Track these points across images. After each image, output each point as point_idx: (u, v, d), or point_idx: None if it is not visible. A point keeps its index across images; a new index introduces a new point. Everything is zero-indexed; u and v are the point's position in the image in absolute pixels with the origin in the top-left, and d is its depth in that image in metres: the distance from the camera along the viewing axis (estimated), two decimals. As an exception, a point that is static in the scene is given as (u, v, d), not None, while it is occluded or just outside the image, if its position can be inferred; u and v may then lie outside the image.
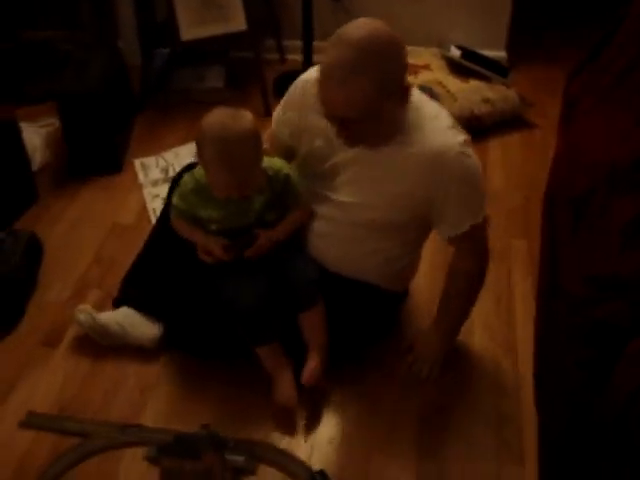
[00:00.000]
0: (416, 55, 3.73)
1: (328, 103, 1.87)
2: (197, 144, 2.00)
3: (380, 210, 2.08)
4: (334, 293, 2.19)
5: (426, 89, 3.27)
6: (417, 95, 1.98)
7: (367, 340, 2.38)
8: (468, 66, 3.68)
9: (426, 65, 3.70)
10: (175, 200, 2.13)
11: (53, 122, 3.44)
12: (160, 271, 2.36)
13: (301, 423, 2.20)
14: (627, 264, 1.64)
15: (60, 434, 2.16)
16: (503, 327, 2.50)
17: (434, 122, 2.00)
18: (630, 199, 1.75)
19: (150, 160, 3.37)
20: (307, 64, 3.53)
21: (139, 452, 2.08)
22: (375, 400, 2.26)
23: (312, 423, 2.20)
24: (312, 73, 2.12)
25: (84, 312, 2.36)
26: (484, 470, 2.07)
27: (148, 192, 3.16)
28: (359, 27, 1.81)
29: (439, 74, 3.65)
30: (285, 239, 2.16)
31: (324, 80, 1.84)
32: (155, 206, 3.01)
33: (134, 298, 2.40)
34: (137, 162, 3.35)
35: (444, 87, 3.53)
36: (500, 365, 2.38)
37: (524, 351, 2.36)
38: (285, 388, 2.16)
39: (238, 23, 3.55)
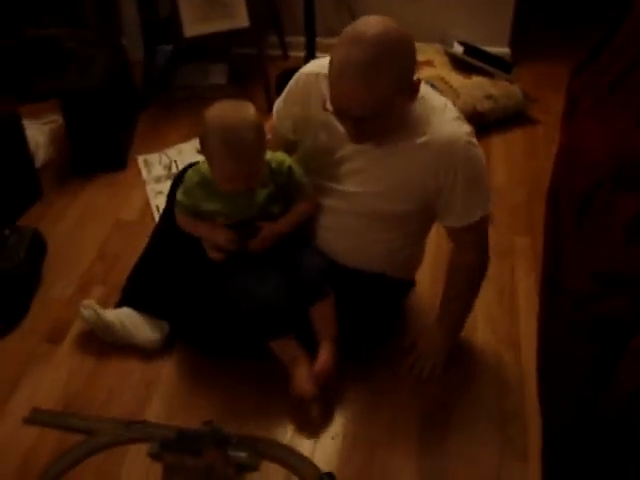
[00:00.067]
0: (419, 51, 3.68)
1: (341, 102, 1.85)
2: (201, 138, 2.00)
3: (385, 200, 2.08)
4: (342, 285, 2.19)
5: (429, 85, 3.27)
6: (423, 87, 1.98)
7: (375, 332, 2.37)
8: (471, 62, 3.67)
9: (429, 61, 3.70)
10: (179, 196, 2.13)
11: (56, 119, 3.45)
12: (164, 271, 2.35)
13: (304, 419, 2.20)
14: (631, 260, 1.65)
15: (64, 430, 2.16)
16: (506, 323, 2.50)
17: (440, 113, 2.00)
18: (633, 196, 1.75)
19: (153, 157, 3.37)
20: (310, 60, 3.52)
21: (141, 449, 2.08)
22: (378, 396, 2.26)
23: (315, 419, 2.20)
24: (313, 66, 2.13)
25: (89, 308, 2.36)
26: (487, 466, 2.06)
27: (151, 189, 3.17)
28: (370, 25, 1.79)
29: (442, 70, 3.64)
30: (290, 231, 2.16)
31: (338, 79, 1.82)
32: (158, 203, 3.02)
33: (138, 299, 2.40)
34: (140, 159, 3.36)
35: (447, 83, 3.52)
36: (503, 361, 2.37)
37: (527, 347, 2.35)
38: (304, 380, 2.14)
39: (241, 19, 3.55)
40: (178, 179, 2.29)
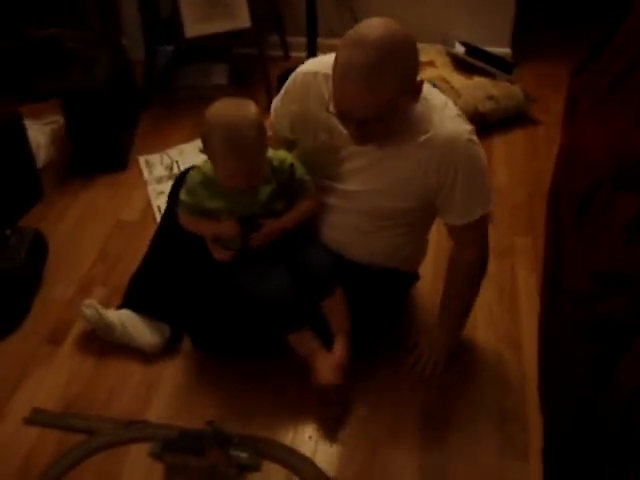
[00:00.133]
0: (421, 52, 3.67)
1: (345, 104, 1.85)
2: (203, 136, 2.00)
3: (386, 198, 2.09)
4: (348, 279, 2.20)
5: (430, 85, 3.27)
6: (424, 86, 1.98)
7: (378, 328, 2.38)
8: (472, 63, 3.67)
9: (430, 62, 3.70)
10: (182, 196, 2.14)
11: (57, 119, 3.45)
12: (167, 272, 2.36)
13: (305, 420, 2.20)
14: (631, 260, 1.65)
15: (65, 431, 2.16)
16: (507, 322, 2.50)
17: (442, 111, 2.01)
18: (633, 196, 1.75)
19: (154, 157, 3.37)
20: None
21: (143, 449, 2.08)
22: (379, 396, 2.26)
23: (315, 419, 2.20)
24: (310, 65, 2.13)
25: (91, 307, 2.36)
26: (488, 465, 2.06)
27: (152, 189, 3.17)
28: (373, 27, 1.79)
29: (443, 71, 3.64)
30: (292, 228, 2.16)
31: (341, 82, 1.82)
32: (160, 203, 3.02)
33: (140, 301, 2.40)
34: (142, 159, 3.36)
35: (448, 83, 3.53)
36: (504, 360, 2.38)
37: (528, 347, 2.36)
38: (326, 371, 2.14)
39: (242, 20, 3.55)
40: (178, 181, 2.29)
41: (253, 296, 2.14)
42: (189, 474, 2.00)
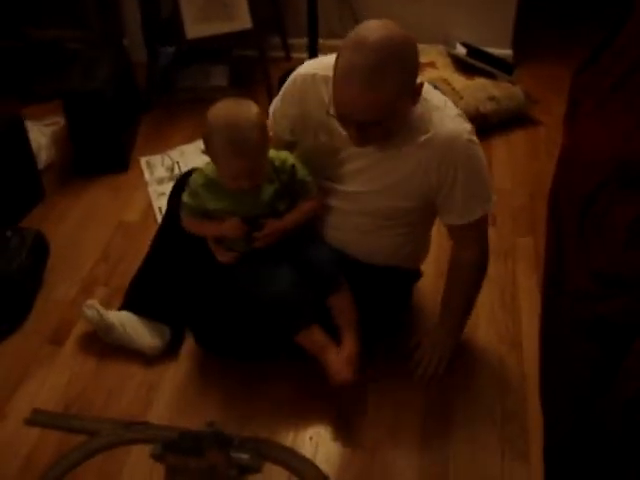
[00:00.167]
0: (421, 53, 3.66)
1: (345, 107, 1.85)
2: (205, 137, 2.00)
3: (386, 198, 2.09)
4: (352, 278, 2.20)
5: (432, 86, 3.27)
6: (425, 87, 1.98)
7: (383, 327, 2.39)
8: (473, 64, 3.67)
9: (431, 63, 3.70)
10: (185, 198, 2.14)
11: (59, 120, 3.45)
12: (168, 274, 2.36)
13: (305, 421, 2.20)
14: (632, 262, 1.65)
15: (65, 432, 2.16)
16: (508, 323, 2.50)
17: (442, 111, 2.02)
18: (635, 197, 1.75)
19: (156, 158, 3.37)
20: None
21: (144, 450, 2.08)
22: (379, 396, 2.27)
23: (315, 420, 2.21)
24: (308, 67, 2.13)
25: (92, 308, 2.36)
26: (488, 466, 2.07)
27: (154, 190, 3.17)
28: (374, 29, 1.79)
29: (444, 72, 3.64)
30: (294, 228, 2.16)
31: (342, 84, 1.82)
32: (161, 204, 3.02)
33: (141, 303, 2.40)
34: (143, 160, 3.36)
35: (449, 85, 3.53)
36: (505, 361, 2.38)
37: (529, 347, 2.36)
38: (340, 366, 2.14)
39: (243, 21, 3.55)
40: (179, 183, 2.30)
41: (259, 299, 2.14)
42: (190, 475, 1.99)
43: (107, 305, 2.45)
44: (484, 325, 2.48)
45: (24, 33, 3.83)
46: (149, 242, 2.44)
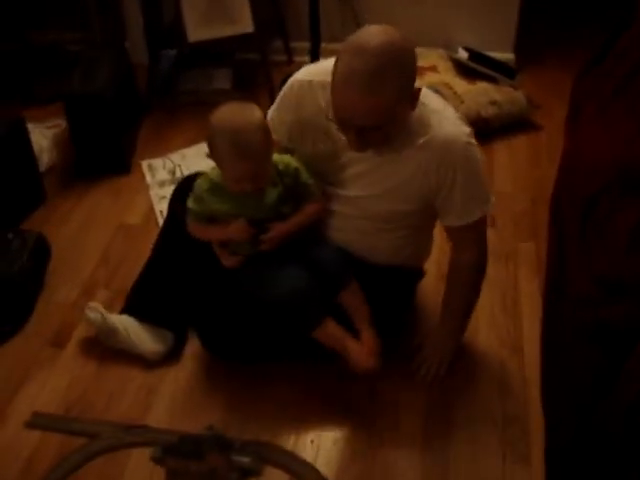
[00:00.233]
0: (423, 57, 3.72)
1: (345, 112, 1.86)
2: (208, 141, 2.00)
3: (386, 201, 2.10)
4: (357, 278, 2.21)
5: (433, 91, 3.27)
6: (423, 90, 1.99)
7: (386, 327, 2.38)
8: (475, 68, 3.67)
9: (433, 67, 3.70)
10: (190, 204, 2.14)
11: (60, 123, 3.46)
12: (170, 279, 2.36)
13: (306, 424, 2.20)
14: (634, 266, 1.65)
15: (66, 435, 2.16)
16: (510, 327, 2.50)
17: (440, 114, 2.02)
18: (637, 202, 1.75)
19: (157, 161, 3.37)
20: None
21: (144, 453, 2.08)
22: (380, 400, 2.27)
23: (316, 424, 2.20)
24: (305, 74, 2.13)
25: (95, 310, 2.36)
26: (489, 469, 2.06)
27: (155, 193, 3.17)
28: (373, 34, 1.79)
29: (446, 76, 3.64)
30: (299, 231, 2.16)
31: (341, 89, 1.82)
32: (162, 208, 3.02)
33: (143, 308, 2.40)
34: (144, 163, 3.36)
35: (451, 89, 3.53)
36: (506, 365, 2.37)
37: (530, 351, 2.36)
38: (363, 357, 2.15)
39: (245, 25, 3.55)
40: (180, 186, 2.31)
41: (265, 301, 2.14)
42: (190, 479, 1.99)
43: (108, 308, 2.45)
44: (485, 329, 2.48)
45: (25, 36, 3.83)
46: (150, 245, 2.44)
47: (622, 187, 1.82)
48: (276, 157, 2.09)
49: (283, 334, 2.23)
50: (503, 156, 3.40)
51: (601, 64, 2.30)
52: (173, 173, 3.27)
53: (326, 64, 1.92)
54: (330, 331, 2.15)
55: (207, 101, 3.67)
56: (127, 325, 2.35)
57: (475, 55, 3.74)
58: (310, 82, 2.09)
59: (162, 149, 3.45)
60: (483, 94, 3.54)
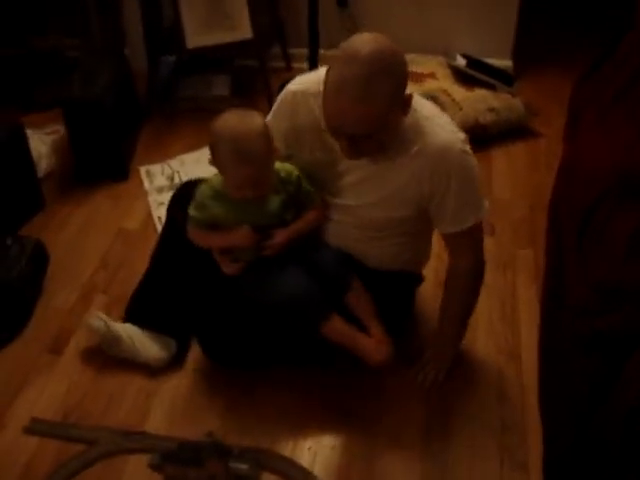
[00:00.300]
0: (421, 63, 3.73)
1: (337, 120, 1.87)
2: (211, 148, 2.02)
3: (380, 209, 2.11)
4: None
5: (431, 98, 3.28)
6: (415, 98, 2.00)
7: (389, 329, 2.38)
8: (473, 75, 3.68)
9: (431, 74, 3.71)
10: (192, 211, 2.14)
11: (59, 129, 3.46)
12: (170, 286, 2.36)
13: (305, 430, 2.20)
14: (632, 274, 1.65)
15: (64, 441, 2.16)
16: (508, 334, 2.50)
17: (433, 121, 2.03)
18: (636, 209, 1.75)
19: (156, 167, 3.37)
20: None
21: (142, 460, 2.08)
22: (378, 406, 2.27)
23: (315, 430, 2.21)
24: (299, 84, 2.15)
25: (98, 318, 2.36)
26: (487, 475, 2.07)
27: (153, 199, 3.17)
28: (364, 43, 1.81)
29: (444, 83, 3.65)
30: (300, 237, 2.17)
31: (333, 97, 1.83)
32: (160, 214, 3.02)
33: (144, 316, 2.39)
34: (143, 169, 3.36)
35: (449, 96, 3.53)
36: (504, 372, 2.38)
37: (528, 359, 2.36)
38: (375, 350, 2.17)
39: (244, 31, 3.56)
40: (177, 194, 2.32)
41: (266, 305, 2.15)
42: (188, 485, 2.00)
43: (106, 313, 2.45)
44: (483, 336, 2.49)
45: (25, 41, 3.83)
46: (148, 251, 2.44)
47: (621, 193, 1.82)
48: (278, 165, 2.10)
49: (289, 336, 2.23)
50: (501, 163, 3.41)
51: (600, 70, 2.30)
52: (171, 179, 3.27)
53: (320, 73, 1.94)
54: (339, 328, 2.16)
55: (206, 107, 3.68)
56: (131, 333, 2.35)
57: (473, 62, 3.75)
58: (304, 92, 2.10)
59: (161, 155, 3.45)
60: (481, 101, 3.54)
